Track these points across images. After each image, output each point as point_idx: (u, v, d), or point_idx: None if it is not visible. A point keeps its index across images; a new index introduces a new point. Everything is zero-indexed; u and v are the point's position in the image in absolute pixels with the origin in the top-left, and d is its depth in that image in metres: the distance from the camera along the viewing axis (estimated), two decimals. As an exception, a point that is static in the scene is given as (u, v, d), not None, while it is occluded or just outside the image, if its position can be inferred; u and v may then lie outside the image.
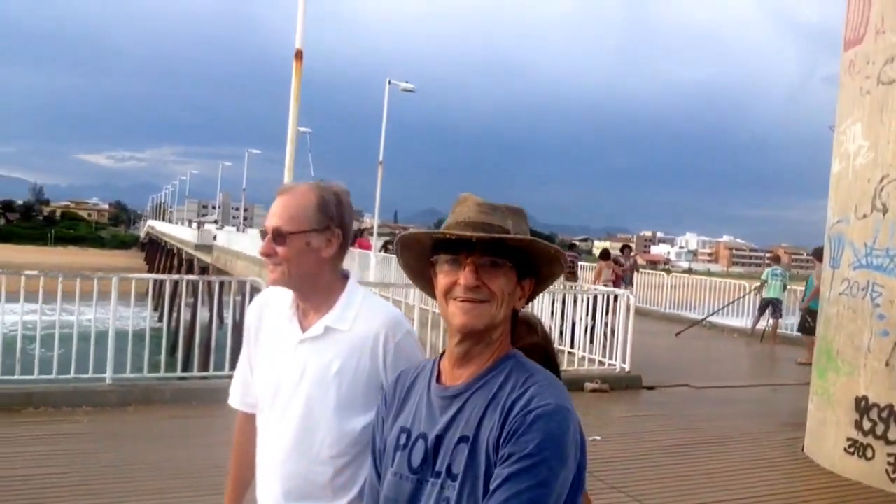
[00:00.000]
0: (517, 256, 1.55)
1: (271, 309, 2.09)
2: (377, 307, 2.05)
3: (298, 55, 8.14)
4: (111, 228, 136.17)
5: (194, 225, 60.94)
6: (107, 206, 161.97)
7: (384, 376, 1.94)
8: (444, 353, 1.65)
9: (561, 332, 10.11)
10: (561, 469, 1.43)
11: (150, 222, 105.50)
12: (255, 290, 8.00)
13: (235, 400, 2.13)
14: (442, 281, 1.55)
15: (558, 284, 11.46)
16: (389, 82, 23.54)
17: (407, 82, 23.99)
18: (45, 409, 6.69)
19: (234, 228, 53.12)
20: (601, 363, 9.81)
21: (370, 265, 18.00)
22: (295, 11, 8.05)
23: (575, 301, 10.34)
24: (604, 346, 10.00)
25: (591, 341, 10.13)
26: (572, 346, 10.03)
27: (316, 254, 1.98)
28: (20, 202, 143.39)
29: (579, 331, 10.08)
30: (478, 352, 1.56)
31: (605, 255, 15.98)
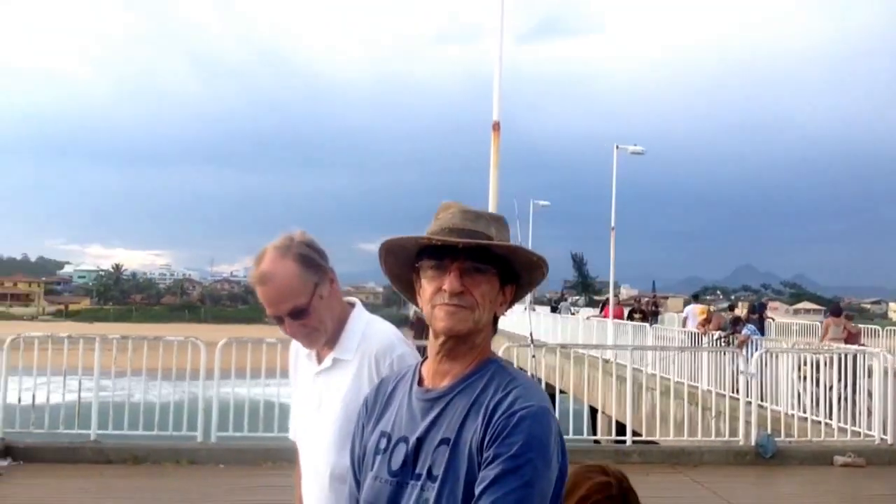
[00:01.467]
0: (500, 263, 1.58)
1: (302, 348, 2.26)
2: (374, 333, 2.11)
3: (496, 127, 8.54)
4: (384, 309, 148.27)
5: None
6: (381, 289, 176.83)
7: None
8: (425, 358, 1.69)
9: (800, 397, 9.11)
10: (546, 470, 1.46)
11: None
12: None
13: (292, 433, 2.31)
14: (427, 286, 1.58)
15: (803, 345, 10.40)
16: (617, 147, 23.38)
17: (636, 145, 23.70)
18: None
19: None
20: (855, 433, 8.61)
21: (628, 333, 17.72)
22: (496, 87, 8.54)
23: (819, 363, 9.29)
24: (851, 413, 8.78)
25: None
26: (816, 413, 8.95)
27: (328, 300, 2.09)
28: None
29: (825, 394, 8.99)
30: (460, 355, 1.59)
31: (837, 310, 14.10)
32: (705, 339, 14.23)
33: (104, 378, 8.11)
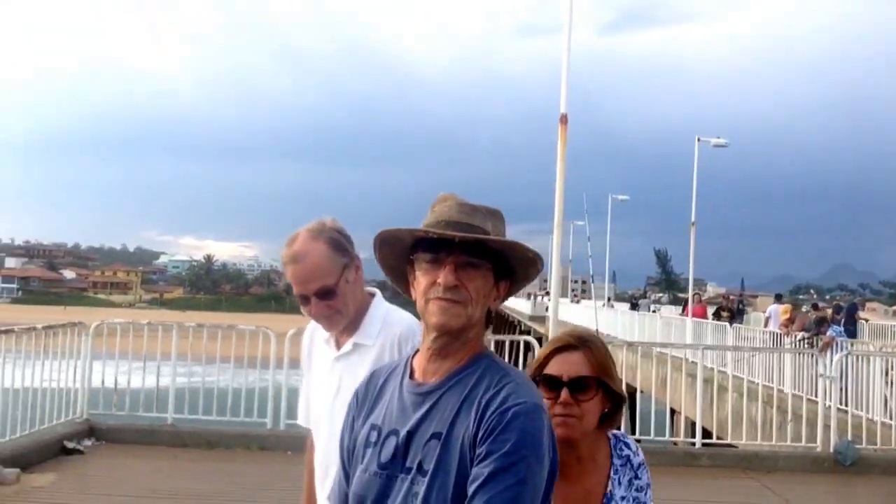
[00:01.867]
0: (495, 258, 1.58)
1: (318, 334, 2.33)
2: (396, 319, 2.19)
3: (563, 120, 8.41)
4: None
5: (532, 297, 63.71)
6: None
7: None
8: (416, 351, 1.68)
9: (887, 402, 8.62)
10: (539, 467, 1.46)
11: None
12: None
13: (302, 419, 2.37)
14: (421, 280, 1.57)
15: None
16: (699, 139, 22.67)
17: (718, 137, 22.92)
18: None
19: (568, 300, 54.58)
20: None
21: (706, 333, 17.26)
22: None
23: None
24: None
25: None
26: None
27: (352, 286, 2.18)
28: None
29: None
30: (452, 350, 1.58)
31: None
32: (787, 340, 13.70)
33: (181, 364, 8.48)
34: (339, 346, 2.25)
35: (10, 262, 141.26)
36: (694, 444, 8.52)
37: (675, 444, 10.54)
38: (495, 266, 1.59)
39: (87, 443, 7.40)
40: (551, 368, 1.91)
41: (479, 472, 1.44)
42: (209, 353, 8.60)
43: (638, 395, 9.08)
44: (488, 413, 1.48)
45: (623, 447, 2.05)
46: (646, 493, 1.99)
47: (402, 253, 1.64)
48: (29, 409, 7.04)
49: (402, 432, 1.56)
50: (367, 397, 1.71)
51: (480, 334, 1.63)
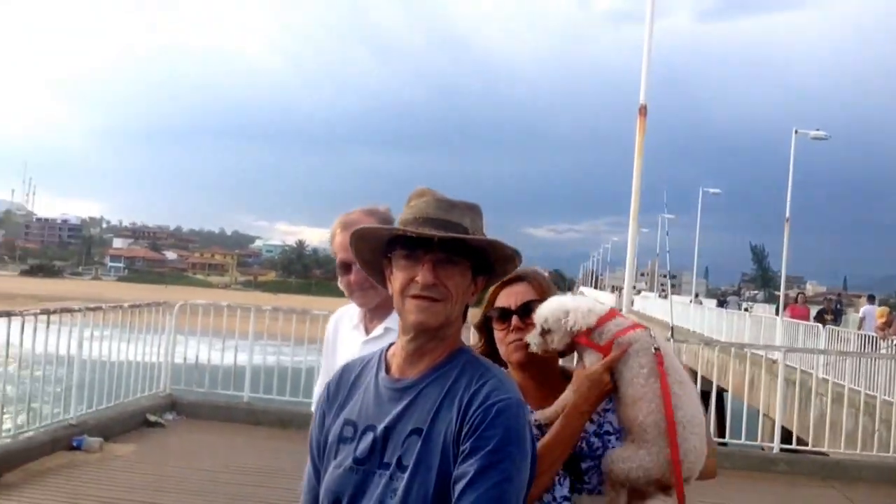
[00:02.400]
0: (474, 254, 1.56)
1: (343, 322, 2.42)
2: None
3: (643, 111, 8.19)
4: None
5: (616, 291, 62.62)
6: (546, 275, 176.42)
7: None
8: (390, 346, 1.68)
9: None
10: (523, 462, 1.47)
11: (582, 289, 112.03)
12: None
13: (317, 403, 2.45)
14: (399, 277, 1.55)
15: None
16: (796, 131, 21.57)
17: (818, 129, 21.77)
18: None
19: (654, 294, 53.30)
20: None
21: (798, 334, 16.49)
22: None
23: None
24: None
25: None
26: None
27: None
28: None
29: None
30: (431, 347, 1.57)
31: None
32: (884, 344, 12.93)
33: (258, 345, 8.79)
34: (367, 331, 2.35)
35: (118, 243, 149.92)
36: (773, 448, 8.18)
37: (762, 448, 10.15)
38: (473, 262, 1.58)
39: (169, 416, 7.79)
40: (500, 303, 1.98)
41: (465, 469, 1.43)
42: (285, 334, 8.84)
43: (728, 396, 8.73)
44: (472, 409, 1.47)
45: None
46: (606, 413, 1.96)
47: (379, 248, 1.62)
48: (115, 383, 7.47)
49: (380, 427, 1.54)
50: (338, 392, 1.68)
51: (459, 331, 1.62)
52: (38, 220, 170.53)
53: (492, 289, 1.96)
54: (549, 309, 1.86)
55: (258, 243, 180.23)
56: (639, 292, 57.25)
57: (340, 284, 2.43)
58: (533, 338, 1.86)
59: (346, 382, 1.68)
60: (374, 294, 2.30)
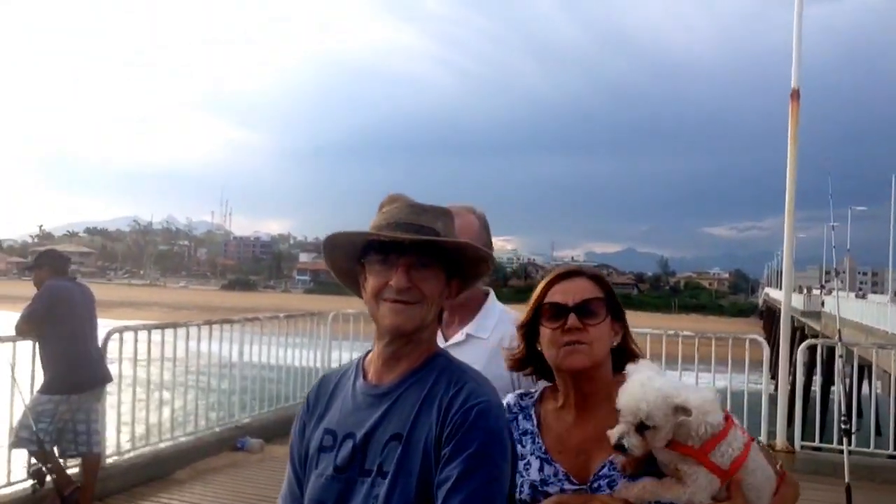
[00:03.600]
0: (446, 258, 1.57)
1: None
2: (513, 317, 2.19)
3: (794, 95, 7.58)
4: (731, 297, 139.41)
5: (805, 291, 57.91)
6: (727, 276, 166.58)
7: (512, 377, 2.05)
8: (367, 353, 1.67)
9: None
10: (504, 463, 1.48)
11: (767, 290, 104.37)
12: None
13: None
14: (372, 282, 1.55)
15: None
16: None
17: None
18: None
19: (847, 293, 48.64)
20: None
21: None
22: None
23: None
24: None
25: None
26: None
27: None
28: (650, 274, 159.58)
29: None
30: (407, 352, 1.56)
31: None
32: None
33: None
34: (446, 337, 2.28)
35: (304, 257, 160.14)
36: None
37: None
38: (446, 266, 1.58)
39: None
40: (554, 296, 1.78)
41: (449, 473, 1.43)
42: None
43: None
44: (451, 413, 1.47)
45: None
46: None
47: (354, 255, 1.62)
48: (276, 388, 8.00)
49: (359, 434, 1.54)
50: (318, 403, 1.68)
51: (434, 334, 1.63)
52: (235, 238, 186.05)
53: (542, 283, 1.84)
54: (651, 399, 1.57)
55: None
56: (829, 292, 52.50)
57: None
58: (627, 437, 1.58)
59: (325, 392, 1.68)
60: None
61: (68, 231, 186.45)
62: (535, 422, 1.82)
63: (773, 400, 7.42)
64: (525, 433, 1.81)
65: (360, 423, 1.56)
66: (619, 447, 1.60)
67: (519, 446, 1.76)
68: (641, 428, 1.57)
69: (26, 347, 5.47)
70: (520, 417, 1.83)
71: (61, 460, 5.45)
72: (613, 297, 1.83)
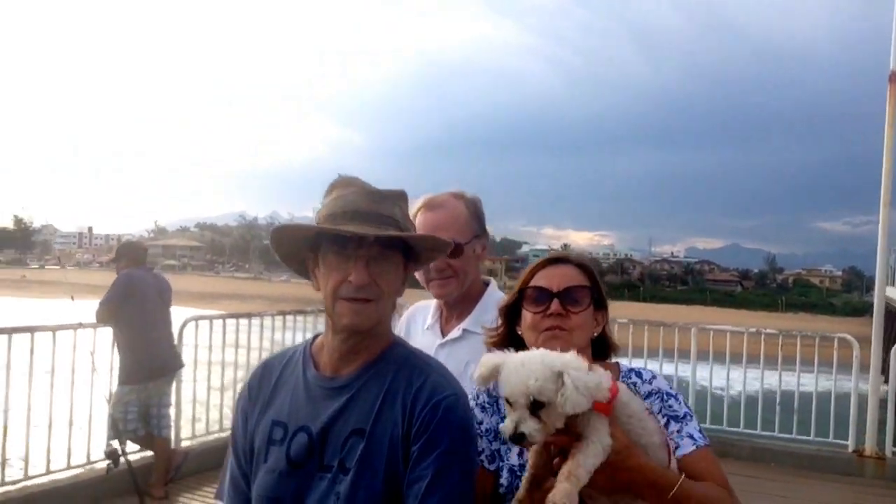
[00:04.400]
0: (404, 246, 1.52)
1: (416, 320, 2.33)
2: None
3: (893, 78, 7.08)
4: (843, 295, 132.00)
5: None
6: (840, 273, 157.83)
7: None
8: (313, 339, 1.60)
9: None
10: (474, 455, 1.49)
11: (888, 290, 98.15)
12: None
13: None
14: (329, 275, 1.47)
15: None
16: None
17: None
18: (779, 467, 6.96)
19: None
20: None
21: None
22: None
23: None
24: None
25: None
26: None
27: (474, 260, 2.16)
28: (756, 271, 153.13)
29: None
30: (365, 345, 1.51)
31: None
32: None
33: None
34: (443, 333, 2.22)
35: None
36: None
37: None
38: (405, 253, 1.53)
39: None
40: (539, 281, 1.76)
41: (422, 472, 1.39)
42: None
43: None
44: (418, 408, 1.43)
45: (633, 376, 1.78)
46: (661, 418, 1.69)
47: (303, 241, 1.53)
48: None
49: (315, 428, 1.47)
50: (261, 391, 1.59)
51: (389, 323, 1.57)
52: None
53: (529, 267, 1.83)
54: (538, 373, 1.40)
55: (524, 248, 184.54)
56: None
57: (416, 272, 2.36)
58: (524, 423, 1.40)
59: (268, 380, 1.60)
60: (454, 285, 2.14)
61: (181, 226, 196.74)
62: None
63: (867, 402, 6.95)
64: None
65: (314, 415, 1.49)
66: (518, 438, 1.41)
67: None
68: (535, 408, 1.40)
69: (107, 335, 5.78)
70: (500, 401, 1.75)
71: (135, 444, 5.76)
72: (598, 286, 1.80)
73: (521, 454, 1.71)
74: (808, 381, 7.65)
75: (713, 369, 7.98)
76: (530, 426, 1.40)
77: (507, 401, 1.45)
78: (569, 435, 1.45)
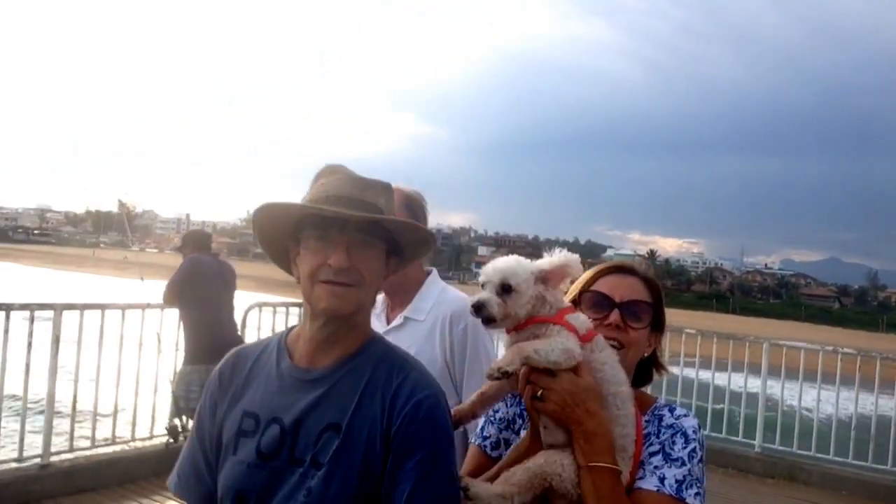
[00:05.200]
0: (388, 236, 1.48)
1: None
2: (451, 298, 2.19)
3: None
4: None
5: None
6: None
7: (446, 360, 2.10)
8: (289, 330, 1.58)
9: None
10: (453, 451, 1.45)
11: None
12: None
13: None
14: (309, 259, 1.43)
15: None
16: None
17: None
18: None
19: None
20: None
21: None
22: None
23: None
24: None
25: None
26: None
27: None
28: (855, 287, 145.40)
29: None
30: (342, 336, 1.47)
31: None
32: None
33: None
34: (388, 321, 2.30)
35: (482, 251, 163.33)
36: None
37: None
38: (387, 245, 1.48)
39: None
40: (602, 287, 1.70)
41: (406, 475, 1.36)
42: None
43: None
44: (398, 406, 1.40)
45: (666, 411, 1.70)
46: (682, 462, 1.55)
47: (285, 228, 1.49)
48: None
49: (288, 420, 1.43)
50: (232, 380, 1.54)
51: (369, 317, 1.55)
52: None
53: (592, 271, 1.76)
54: (514, 263, 1.53)
55: (609, 252, 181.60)
56: None
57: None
58: (488, 300, 1.49)
59: (241, 369, 1.55)
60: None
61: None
62: None
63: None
64: None
65: (287, 407, 1.45)
66: (479, 307, 1.50)
67: (519, 420, 1.76)
68: (503, 291, 1.51)
69: (174, 316, 6.05)
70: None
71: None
72: (660, 305, 1.75)
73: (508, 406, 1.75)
74: (887, 406, 7.20)
75: (785, 387, 7.60)
76: (493, 300, 1.49)
77: (482, 285, 1.53)
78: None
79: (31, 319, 5.10)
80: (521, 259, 1.56)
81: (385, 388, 1.42)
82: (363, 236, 1.42)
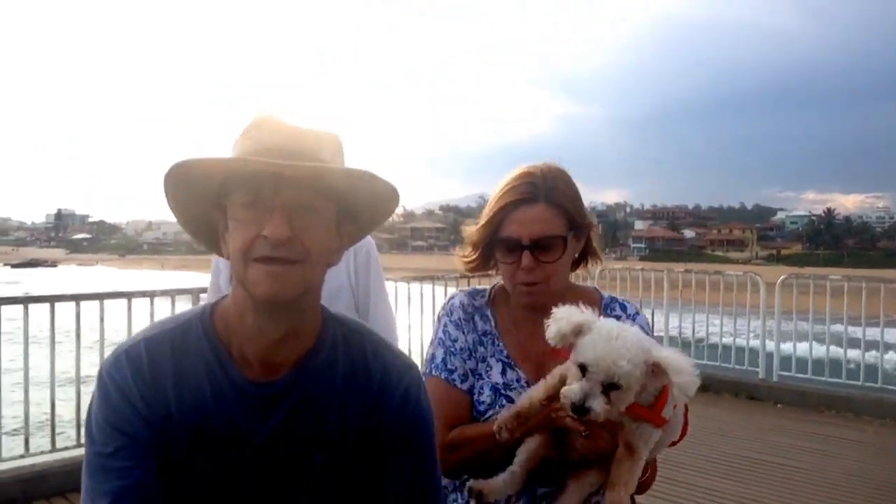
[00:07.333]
0: (337, 197, 1.17)
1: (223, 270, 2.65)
2: None
3: None
4: None
5: None
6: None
7: (351, 284, 2.45)
8: (210, 315, 1.24)
9: None
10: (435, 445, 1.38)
11: None
12: None
13: None
14: (239, 234, 1.13)
15: None
16: None
17: None
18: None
19: None
20: None
21: None
22: None
23: None
24: None
25: None
26: None
27: None
28: None
29: None
30: (293, 326, 1.20)
31: None
32: None
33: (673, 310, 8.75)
34: None
35: (639, 225, 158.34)
36: None
37: None
38: (338, 208, 1.19)
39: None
40: (509, 229, 1.63)
41: (401, 466, 1.28)
42: (699, 300, 8.56)
43: None
44: (386, 398, 1.27)
45: (617, 308, 1.75)
46: None
47: (207, 194, 1.18)
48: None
49: (258, 440, 1.19)
50: (155, 383, 1.17)
51: (319, 295, 1.24)
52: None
53: (496, 206, 1.65)
54: (631, 356, 1.30)
55: (780, 215, 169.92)
56: None
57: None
58: (592, 399, 1.31)
59: (163, 371, 1.18)
60: None
61: (426, 209, 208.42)
62: (493, 323, 1.77)
63: None
64: (485, 334, 1.76)
65: (252, 426, 1.19)
66: (583, 410, 1.31)
67: (480, 347, 1.75)
68: (609, 388, 1.32)
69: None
70: (476, 317, 1.78)
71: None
72: (573, 217, 1.66)
73: (503, 373, 1.71)
74: None
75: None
76: (599, 403, 1.31)
77: (581, 366, 1.35)
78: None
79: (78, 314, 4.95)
80: (631, 340, 1.33)
81: (365, 381, 1.26)
82: (308, 198, 1.13)
